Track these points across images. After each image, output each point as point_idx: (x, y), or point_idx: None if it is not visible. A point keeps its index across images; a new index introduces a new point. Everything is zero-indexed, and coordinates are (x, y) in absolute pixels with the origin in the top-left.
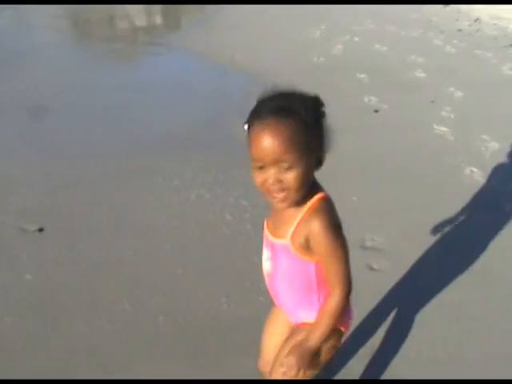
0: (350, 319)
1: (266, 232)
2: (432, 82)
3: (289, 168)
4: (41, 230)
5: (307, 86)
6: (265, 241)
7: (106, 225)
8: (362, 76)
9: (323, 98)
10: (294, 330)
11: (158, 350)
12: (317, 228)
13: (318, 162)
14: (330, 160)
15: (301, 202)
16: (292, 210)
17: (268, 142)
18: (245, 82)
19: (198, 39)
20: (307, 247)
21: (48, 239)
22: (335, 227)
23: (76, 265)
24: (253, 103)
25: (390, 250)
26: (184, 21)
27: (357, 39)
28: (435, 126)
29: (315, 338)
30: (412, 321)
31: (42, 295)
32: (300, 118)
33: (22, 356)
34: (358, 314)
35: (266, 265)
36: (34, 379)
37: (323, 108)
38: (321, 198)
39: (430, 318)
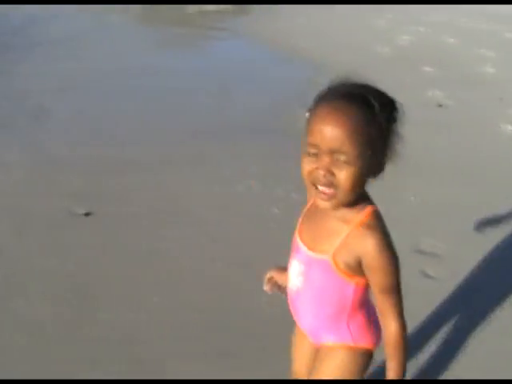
0: (378, 337)
1: (299, 243)
2: (501, 77)
3: (345, 162)
4: (88, 214)
5: (369, 76)
6: (295, 253)
7: (153, 213)
8: (428, 69)
9: (387, 90)
10: (320, 353)
11: (191, 346)
12: (373, 250)
13: (377, 170)
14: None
15: (347, 212)
16: (335, 221)
17: (331, 126)
18: (308, 71)
19: (263, 25)
20: (353, 268)
21: (94, 224)
22: (392, 249)
23: (118, 253)
24: (315, 92)
25: (448, 256)
26: (251, 6)
27: (424, 30)
28: (502, 125)
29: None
30: (466, 334)
31: (82, 282)
32: (373, 111)
33: (56, 344)
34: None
35: (296, 280)
36: (65, 370)
37: (397, 112)
38: (372, 213)
39: (485, 332)
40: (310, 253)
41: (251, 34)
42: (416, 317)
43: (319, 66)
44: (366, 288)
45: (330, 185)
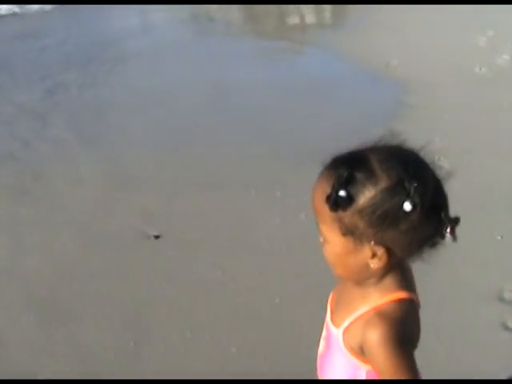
0: None
1: (328, 305)
2: None
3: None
4: (157, 237)
5: (464, 98)
6: (326, 313)
7: (221, 239)
8: None
9: (481, 114)
10: None
11: None
12: (373, 340)
13: (389, 259)
14: (470, 189)
15: (372, 290)
16: (357, 295)
17: (311, 192)
18: (398, 91)
19: (352, 40)
20: (361, 352)
21: (162, 248)
22: (400, 343)
23: (180, 279)
24: (404, 114)
25: None
26: (341, 19)
27: None
28: None
29: None
30: None
31: (137, 309)
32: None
33: (107, 375)
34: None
35: (321, 343)
36: None
37: (409, 201)
38: (396, 300)
39: None
40: (328, 320)
41: (339, 49)
42: (491, 373)
43: (409, 86)
44: None
45: None
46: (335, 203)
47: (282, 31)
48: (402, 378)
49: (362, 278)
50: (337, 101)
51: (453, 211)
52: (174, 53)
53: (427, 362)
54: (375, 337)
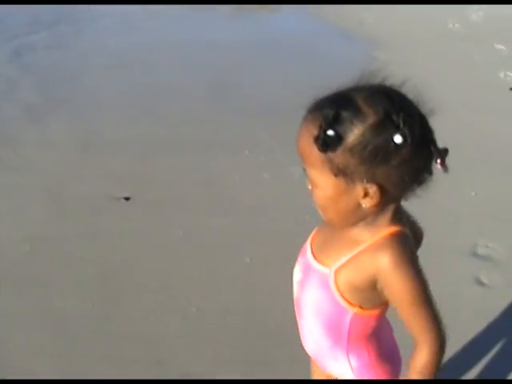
0: (395, 373)
1: (308, 247)
2: None
3: (311, 182)
4: (127, 198)
5: (438, 54)
6: (300, 257)
7: (193, 199)
8: (501, 47)
9: (452, 69)
10: None
11: (220, 351)
12: (389, 263)
13: (384, 197)
14: (445, 143)
15: (363, 232)
16: (348, 239)
17: (296, 137)
18: (371, 48)
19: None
20: (357, 292)
21: (133, 209)
22: (413, 261)
23: (155, 240)
24: (377, 70)
25: (507, 262)
26: None
27: (501, 4)
28: None
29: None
30: None
31: (113, 272)
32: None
33: (78, 338)
34: (455, 336)
35: (295, 287)
36: (83, 366)
37: (399, 133)
38: (393, 233)
39: None
40: (313, 260)
41: (316, 10)
42: (463, 326)
43: (382, 43)
44: (371, 322)
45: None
46: (324, 143)
47: None
48: (423, 293)
49: (353, 221)
50: (308, 58)
51: None
52: (146, 13)
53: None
54: (389, 258)
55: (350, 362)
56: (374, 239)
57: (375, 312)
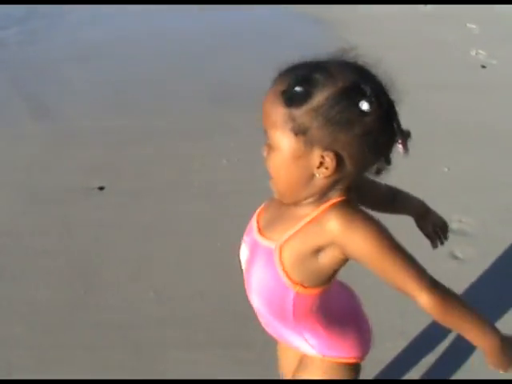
0: (360, 348)
1: (254, 223)
2: None
3: (270, 146)
4: (101, 188)
5: (410, 34)
6: (246, 235)
7: (166, 187)
8: (473, 26)
9: (425, 49)
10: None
11: (196, 335)
12: (338, 227)
13: (349, 169)
14: (416, 123)
15: (312, 208)
16: (298, 211)
17: (264, 100)
18: (342, 30)
19: None
20: (302, 267)
21: (106, 198)
22: (364, 215)
23: (127, 229)
24: (348, 49)
25: (480, 236)
26: None
27: None
28: None
29: (480, 341)
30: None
31: (85, 262)
32: (314, 93)
33: (53, 329)
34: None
35: (243, 267)
36: (60, 356)
37: (366, 100)
38: (337, 201)
39: None
40: (258, 236)
41: None
42: None
43: (353, 25)
44: (315, 300)
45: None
46: (290, 98)
47: None
48: (391, 245)
49: (303, 194)
50: (280, 44)
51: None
52: (115, 8)
53: (376, 295)
54: (339, 220)
55: (306, 340)
56: (320, 210)
57: (317, 290)
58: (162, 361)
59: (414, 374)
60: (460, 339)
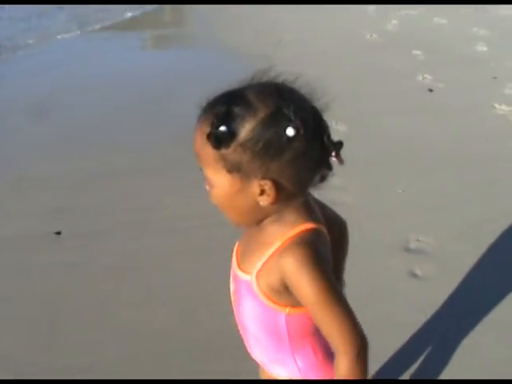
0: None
1: (234, 256)
2: (495, 56)
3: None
4: (58, 233)
5: (358, 64)
6: (231, 268)
7: (127, 226)
8: (417, 52)
9: (374, 77)
10: None
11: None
12: (292, 266)
13: (281, 192)
14: (367, 149)
15: (277, 228)
16: (265, 237)
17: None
18: (287, 66)
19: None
20: (281, 293)
21: (64, 243)
22: (318, 262)
23: (87, 270)
24: (267, 69)
25: (439, 254)
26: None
27: (414, 13)
28: (497, 106)
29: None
30: (459, 341)
31: (47, 305)
32: (233, 126)
33: (21, 374)
34: (394, 329)
35: (232, 298)
36: None
37: (291, 126)
38: (301, 232)
39: (480, 339)
40: (237, 270)
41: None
42: (401, 321)
43: (303, 60)
44: (308, 319)
45: None
46: (217, 140)
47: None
48: (332, 295)
49: (256, 219)
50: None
51: (354, 171)
52: (63, 50)
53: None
54: (292, 261)
55: (296, 362)
56: (283, 239)
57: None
58: None
59: (413, 373)
60: (460, 339)
